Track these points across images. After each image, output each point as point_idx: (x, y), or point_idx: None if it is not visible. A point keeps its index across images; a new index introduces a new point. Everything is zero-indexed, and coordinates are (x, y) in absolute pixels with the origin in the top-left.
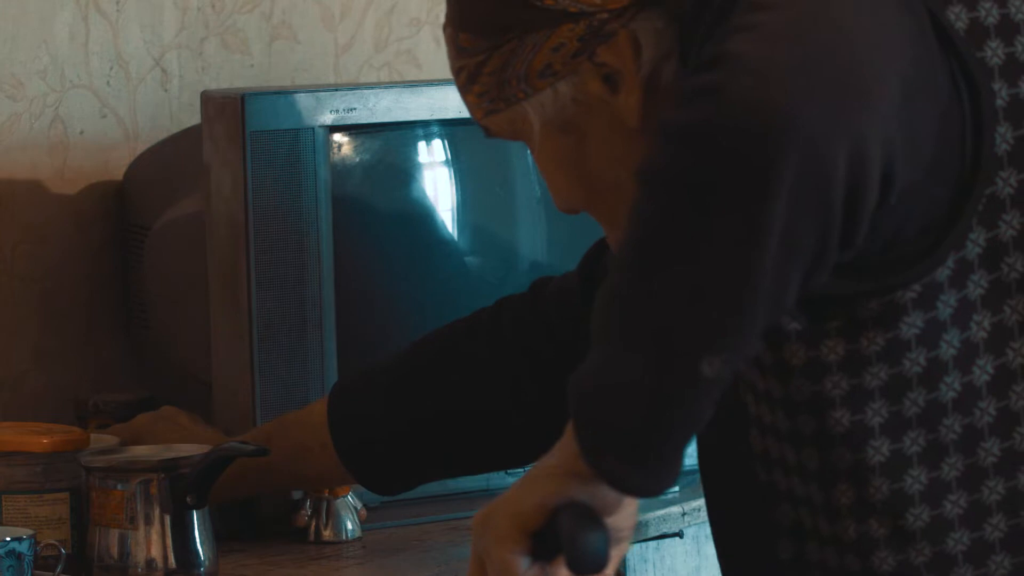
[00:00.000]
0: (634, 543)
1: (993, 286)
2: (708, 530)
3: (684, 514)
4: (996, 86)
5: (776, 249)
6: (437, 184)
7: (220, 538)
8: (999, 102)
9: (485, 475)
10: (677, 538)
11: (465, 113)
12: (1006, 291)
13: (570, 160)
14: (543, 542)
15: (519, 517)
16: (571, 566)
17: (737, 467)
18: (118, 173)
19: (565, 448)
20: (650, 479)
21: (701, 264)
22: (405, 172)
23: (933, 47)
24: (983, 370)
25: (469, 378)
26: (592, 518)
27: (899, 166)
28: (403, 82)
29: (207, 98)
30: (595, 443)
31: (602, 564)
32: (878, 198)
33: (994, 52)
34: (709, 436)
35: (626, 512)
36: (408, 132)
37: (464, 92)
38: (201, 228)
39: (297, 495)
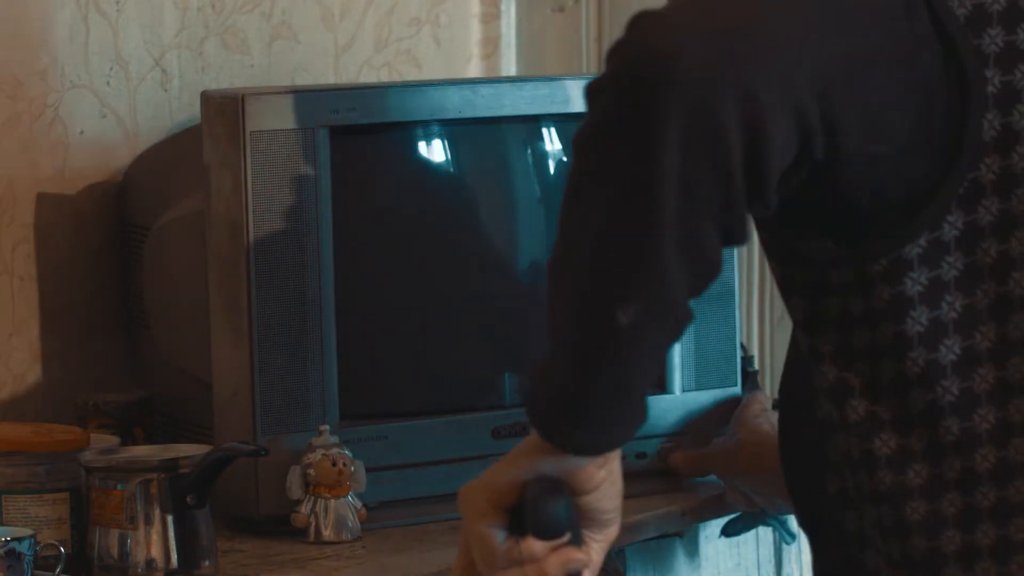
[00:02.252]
0: (634, 543)
1: (968, 269)
2: (708, 530)
3: (684, 514)
4: (989, 73)
5: (675, 195)
6: (437, 184)
7: (220, 538)
8: (990, 89)
9: None
10: (677, 538)
11: (465, 113)
12: (979, 276)
13: None
14: (519, 518)
15: (494, 493)
16: (533, 530)
17: (808, 401)
18: (118, 173)
19: None
20: (595, 436)
21: (603, 214)
22: (405, 172)
23: (922, 29)
24: (950, 350)
25: None
26: (556, 487)
27: (813, 122)
28: (403, 82)
29: (207, 98)
30: (537, 408)
31: (561, 528)
32: (797, 152)
33: (992, 39)
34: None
35: (605, 492)
36: (408, 132)
37: None
38: (201, 228)
39: (297, 495)
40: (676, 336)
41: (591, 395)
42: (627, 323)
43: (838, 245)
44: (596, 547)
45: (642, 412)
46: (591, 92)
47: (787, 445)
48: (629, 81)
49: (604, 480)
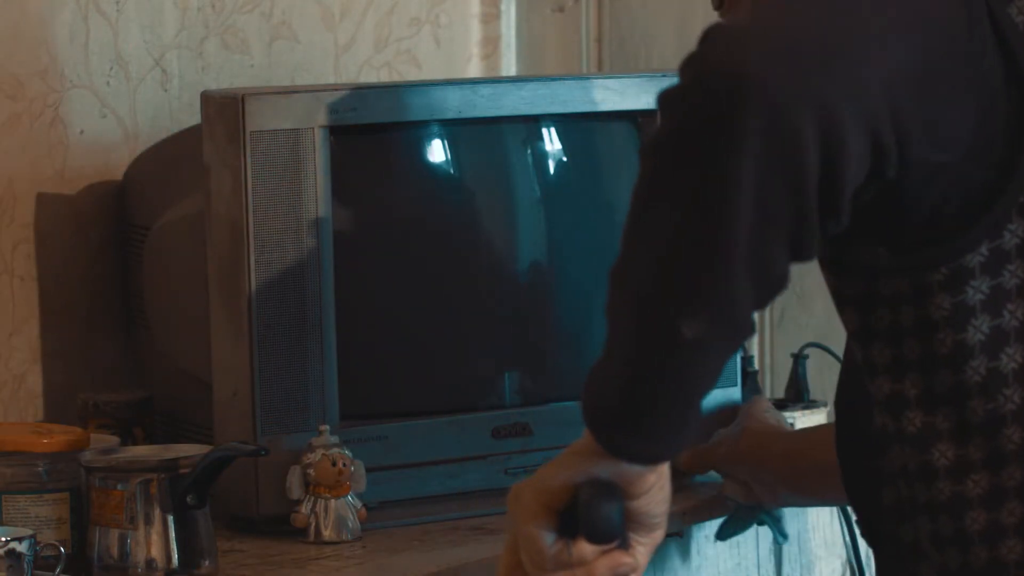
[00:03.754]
0: None
1: None
2: (707, 530)
3: (683, 514)
4: None
5: (748, 209)
6: (437, 184)
7: (220, 538)
8: None
9: (485, 475)
10: (677, 538)
11: (465, 113)
12: None
13: None
14: (570, 520)
15: (545, 494)
16: (585, 534)
17: (866, 412)
18: (118, 173)
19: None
20: (651, 445)
21: (674, 227)
22: (405, 172)
23: (983, 36)
24: (1012, 359)
25: None
26: (610, 491)
27: (887, 138)
28: (403, 82)
29: (207, 98)
30: (594, 416)
31: (615, 533)
32: (870, 167)
33: None
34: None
35: (654, 497)
36: (408, 132)
37: None
38: (201, 228)
39: (297, 495)
40: (736, 349)
41: (649, 406)
42: (691, 337)
43: (892, 254)
44: (642, 551)
45: (697, 423)
46: (665, 101)
47: (845, 456)
48: (705, 95)
49: (655, 484)
